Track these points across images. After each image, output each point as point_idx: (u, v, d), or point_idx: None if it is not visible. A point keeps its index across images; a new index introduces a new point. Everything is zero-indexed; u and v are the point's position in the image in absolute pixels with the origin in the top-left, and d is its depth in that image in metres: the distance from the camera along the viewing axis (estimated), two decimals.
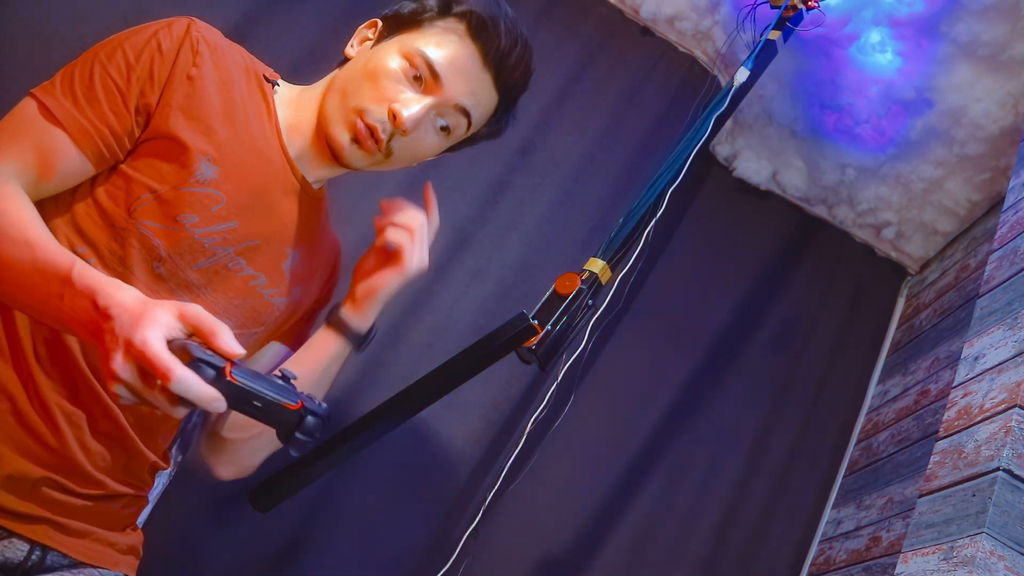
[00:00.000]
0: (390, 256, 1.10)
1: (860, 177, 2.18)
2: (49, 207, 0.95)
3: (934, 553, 1.14)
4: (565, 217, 2.01)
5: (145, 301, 0.76)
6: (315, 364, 1.11)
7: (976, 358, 1.33)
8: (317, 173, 1.10)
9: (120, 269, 0.94)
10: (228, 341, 0.75)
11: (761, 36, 1.69)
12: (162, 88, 0.95)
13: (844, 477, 2.10)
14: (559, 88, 2.06)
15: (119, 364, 0.72)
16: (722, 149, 2.30)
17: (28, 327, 0.92)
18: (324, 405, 0.80)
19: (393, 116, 1.01)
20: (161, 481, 1.20)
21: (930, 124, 1.99)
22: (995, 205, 2.07)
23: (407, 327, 1.82)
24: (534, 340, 1.26)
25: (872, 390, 2.23)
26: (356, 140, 1.02)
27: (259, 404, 0.76)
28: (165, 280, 0.98)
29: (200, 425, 1.17)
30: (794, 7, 1.70)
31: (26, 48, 1.50)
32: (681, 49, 2.21)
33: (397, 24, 1.07)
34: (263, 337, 1.14)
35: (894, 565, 1.34)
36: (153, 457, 1.05)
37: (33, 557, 0.92)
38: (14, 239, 0.83)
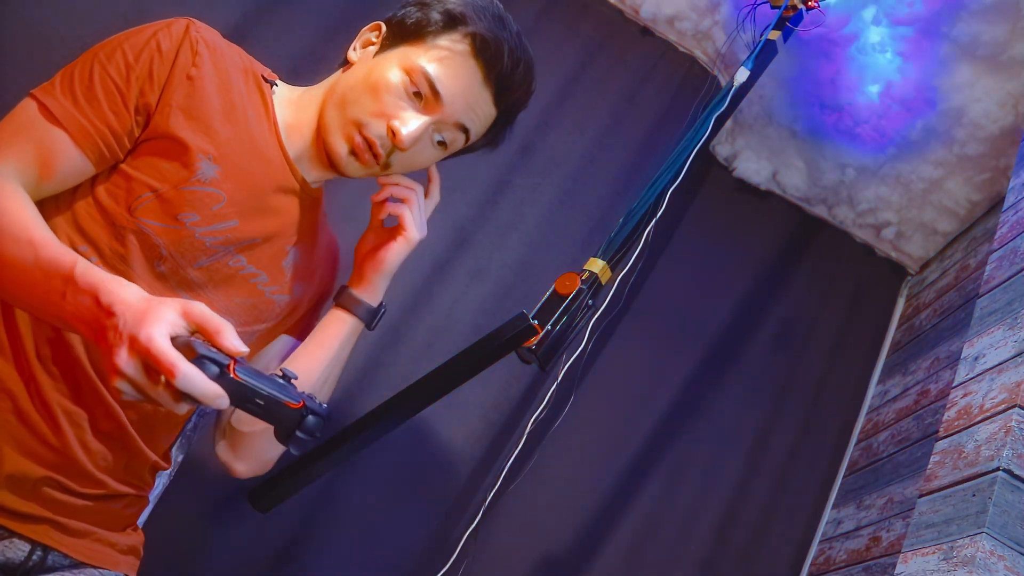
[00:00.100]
0: (391, 230, 1.12)
1: (860, 177, 2.18)
2: (50, 206, 0.95)
3: (934, 553, 1.14)
4: (565, 217, 2.01)
5: (149, 298, 0.76)
6: (327, 346, 1.12)
7: (976, 358, 1.33)
8: (316, 174, 1.10)
9: (121, 268, 0.95)
10: (232, 339, 0.75)
11: (761, 36, 1.69)
12: (162, 88, 0.95)
13: (844, 477, 2.10)
14: (559, 88, 2.06)
15: (123, 360, 0.72)
16: (722, 149, 2.30)
17: (30, 326, 0.92)
18: (324, 405, 0.81)
19: (392, 134, 1.01)
20: (161, 481, 1.20)
21: (930, 124, 1.99)
22: (995, 205, 2.07)
23: (407, 327, 1.82)
24: (534, 340, 1.26)
25: (872, 390, 2.23)
26: (354, 153, 1.03)
27: (261, 402, 0.77)
28: (166, 279, 0.98)
29: (213, 424, 1.17)
30: (794, 7, 1.70)
31: (26, 48, 1.50)
32: (681, 49, 2.21)
33: (401, 33, 1.06)
34: (266, 334, 1.14)
35: (894, 565, 1.34)
36: (154, 457, 1.05)
37: (34, 557, 0.93)
38: (16, 238, 0.84)
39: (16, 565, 0.92)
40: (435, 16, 1.05)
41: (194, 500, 1.58)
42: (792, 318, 2.22)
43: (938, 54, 1.88)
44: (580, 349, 1.45)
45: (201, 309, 0.76)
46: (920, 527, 1.22)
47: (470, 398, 1.80)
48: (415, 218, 1.11)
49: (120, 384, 0.73)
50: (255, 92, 1.05)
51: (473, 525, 1.53)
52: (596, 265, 1.40)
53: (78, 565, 0.97)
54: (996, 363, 1.26)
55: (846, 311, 2.27)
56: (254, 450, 1.13)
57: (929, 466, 1.29)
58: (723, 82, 2.15)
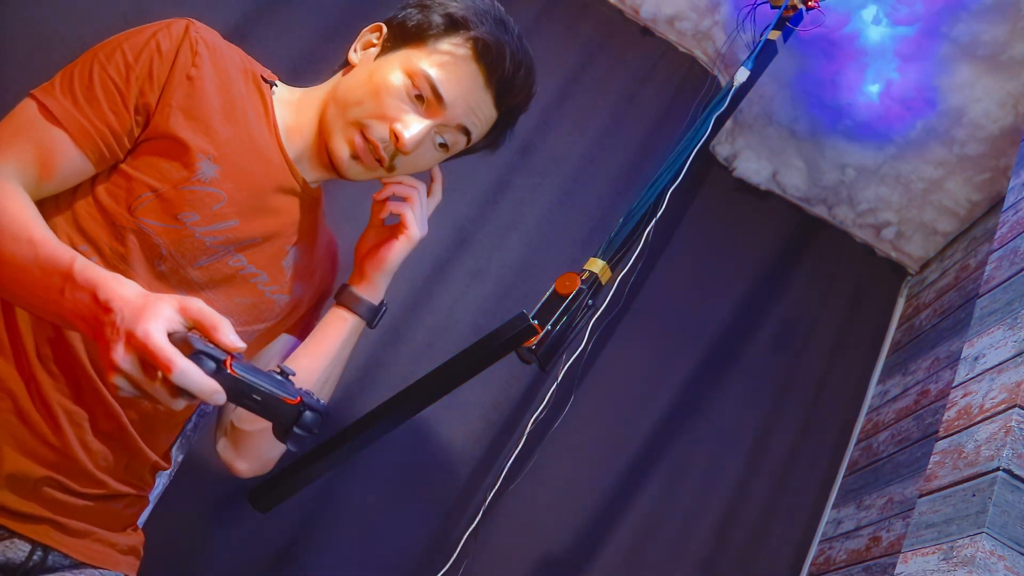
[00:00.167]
0: (392, 228, 1.12)
1: (860, 177, 2.18)
2: (50, 206, 0.95)
3: (934, 553, 1.14)
4: (565, 217, 2.01)
5: (146, 295, 0.77)
6: (328, 345, 1.12)
7: (976, 358, 1.33)
8: (316, 174, 1.10)
9: (122, 267, 0.95)
10: (229, 335, 0.75)
11: (761, 36, 1.69)
12: (162, 88, 0.95)
13: (844, 477, 2.10)
14: (559, 88, 2.06)
15: (120, 355, 0.73)
16: (722, 149, 2.30)
17: (30, 326, 0.92)
18: (322, 402, 0.80)
19: (395, 137, 1.02)
20: (161, 481, 1.20)
21: (930, 124, 2.00)
22: (995, 205, 2.07)
23: (407, 327, 1.82)
24: (534, 340, 1.26)
25: (872, 390, 2.23)
26: (356, 156, 1.03)
27: (258, 398, 0.77)
28: (166, 278, 0.98)
29: (214, 424, 1.17)
30: (794, 7, 1.70)
31: (26, 48, 1.51)
32: (681, 49, 2.21)
33: (402, 35, 1.06)
34: (266, 334, 1.14)
35: (894, 565, 1.34)
36: (154, 457, 1.05)
37: (35, 557, 0.93)
38: (15, 236, 0.84)
39: (16, 565, 0.92)
40: (436, 19, 1.05)
41: (194, 500, 1.58)
42: (792, 318, 2.22)
43: (938, 54, 1.88)
44: (580, 349, 1.45)
45: (198, 305, 0.76)
46: (920, 527, 1.22)
47: (470, 398, 1.80)
48: (416, 217, 1.11)
49: (117, 380, 0.74)
50: (255, 92, 1.05)
51: (473, 525, 1.53)
52: (596, 265, 1.40)
53: (78, 565, 0.97)
54: (996, 363, 1.26)
55: (846, 311, 2.27)
56: (256, 449, 1.12)
57: (929, 466, 1.29)
58: (723, 82, 2.15)
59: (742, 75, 1.61)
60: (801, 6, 1.70)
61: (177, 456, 1.19)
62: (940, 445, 1.29)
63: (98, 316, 0.76)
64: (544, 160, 2.02)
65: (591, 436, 1.94)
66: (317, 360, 1.10)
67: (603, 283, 1.41)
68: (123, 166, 0.96)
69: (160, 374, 0.72)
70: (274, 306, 1.10)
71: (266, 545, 1.66)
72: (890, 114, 2.03)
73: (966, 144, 1.98)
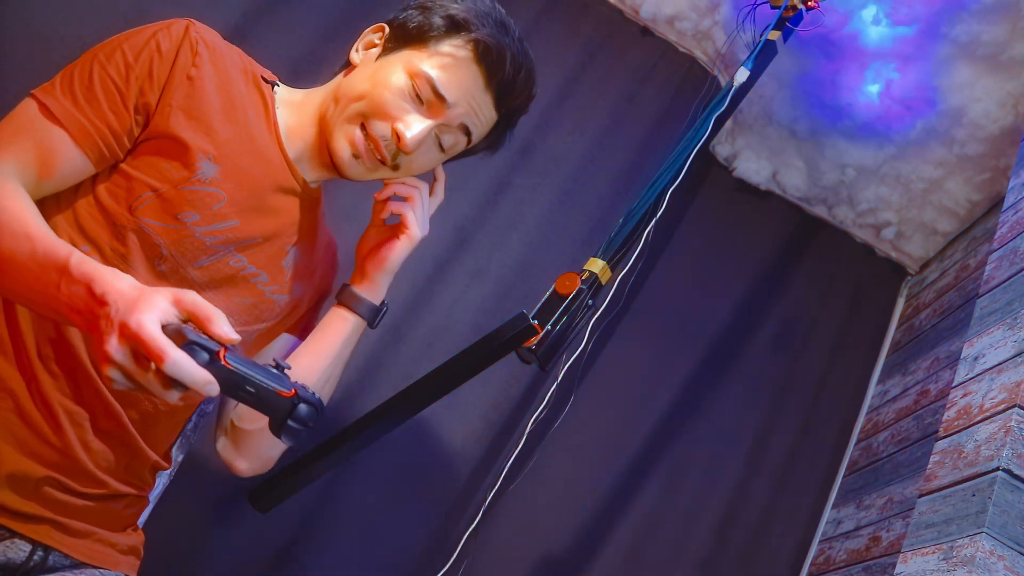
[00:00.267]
0: (393, 228, 1.12)
1: (860, 177, 2.18)
2: (51, 205, 0.95)
3: (934, 553, 1.14)
4: (565, 217, 2.01)
5: (141, 287, 0.77)
6: (329, 345, 1.12)
7: (976, 358, 1.33)
8: (316, 175, 1.10)
9: (122, 267, 0.95)
10: (223, 326, 0.75)
11: (761, 36, 1.69)
12: (162, 88, 0.95)
13: (844, 477, 2.10)
14: (559, 88, 2.06)
15: (113, 347, 0.72)
16: (722, 149, 2.30)
17: (31, 325, 0.93)
18: (318, 396, 0.79)
19: (397, 137, 1.02)
20: (161, 481, 1.20)
21: (930, 124, 2.00)
22: (995, 205, 2.07)
23: (407, 327, 1.82)
24: (534, 340, 1.26)
25: (872, 390, 2.23)
26: (356, 155, 1.03)
27: (252, 389, 0.76)
28: (167, 278, 0.98)
29: (214, 423, 1.17)
30: (794, 7, 1.70)
31: (26, 48, 1.51)
32: (681, 49, 2.21)
33: (403, 36, 1.07)
34: (265, 334, 1.14)
35: (894, 565, 1.34)
36: (155, 456, 1.05)
37: (35, 558, 0.93)
38: (14, 233, 0.84)
39: (17, 565, 0.92)
40: (438, 21, 1.05)
41: (194, 500, 1.58)
42: (792, 318, 2.22)
43: (938, 54, 1.88)
44: (580, 349, 1.46)
45: (193, 297, 0.76)
46: (920, 527, 1.22)
47: (470, 398, 1.80)
48: (417, 216, 1.11)
49: (111, 372, 0.73)
50: (255, 93, 1.05)
51: (473, 525, 1.53)
52: (596, 265, 1.41)
53: (79, 565, 0.97)
54: (996, 363, 1.26)
55: (846, 311, 2.27)
56: (256, 448, 1.13)
57: (929, 466, 1.29)
58: (723, 82, 2.15)
59: (742, 75, 1.61)
60: (801, 6, 1.70)
61: (177, 456, 1.19)
62: (940, 445, 1.29)
63: (93, 309, 0.76)
64: (544, 160, 2.02)
65: (591, 436, 1.94)
66: (318, 359, 1.10)
67: (603, 283, 1.41)
68: (123, 166, 0.96)
69: (153, 365, 0.71)
70: (274, 306, 1.10)
71: (266, 545, 1.66)
72: (890, 114, 2.03)
73: (966, 144, 1.98)
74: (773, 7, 1.74)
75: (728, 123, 2.18)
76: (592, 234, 1.99)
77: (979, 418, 1.22)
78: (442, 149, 1.09)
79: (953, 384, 1.36)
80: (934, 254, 2.30)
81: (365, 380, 1.75)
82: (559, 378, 1.49)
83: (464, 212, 1.91)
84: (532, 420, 1.51)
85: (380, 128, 1.02)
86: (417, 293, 1.83)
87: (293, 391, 0.77)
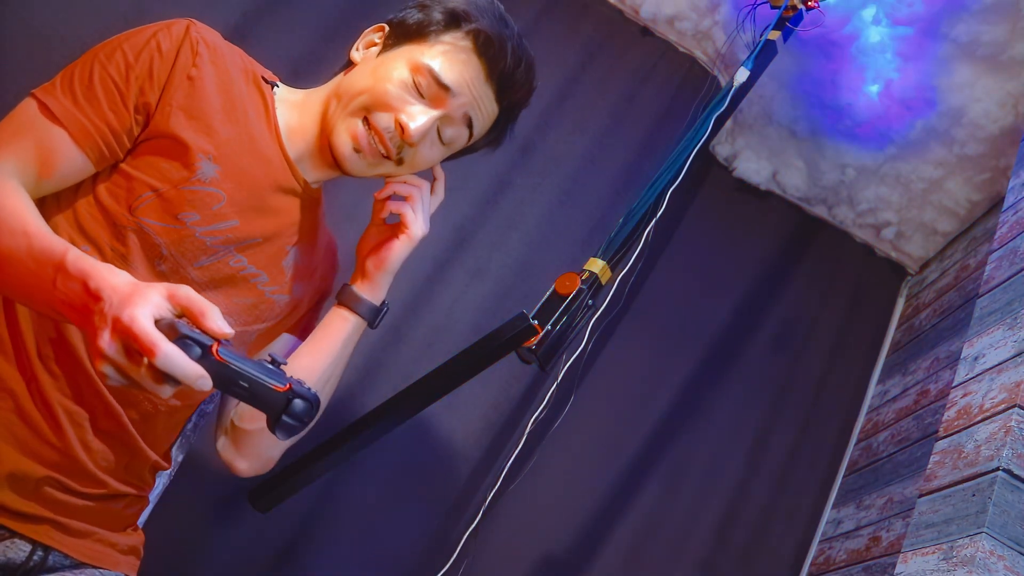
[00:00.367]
0: (393, 227, 1.12)
1: (860, 177, 2.18)
2: (51, 205, 0.95)
3: (934, 553, 1.14)
4: (565, 217, 2.01)
5: (136, 283, 0.76)
6: (329, 345, 1.11)
7: (976, 358, 1.33)
8: (317, 175, 1.10)
9: (122, 267, 0.94)
10: (217, 321, 0.74)
11: (761, 36, 1.69)
12: (162, 88, 0.95)
13: (844, 477, 2.10)
14: (559, 88, 2.06)
15: (106, 342, 0.72)
16: (722, 149, 2.30)
17: (31, 325, 0.93)
18: (314, 391, 0.79)
19: (401, 128, 1.02)
20: (161, 481, 1.20)
21: (930, 124, 2.00)
22: (995, 205, 2.07)
23: (407, 327, 1.82)
24: (534, 340, 1.26)
25: (872, 390, 2.23)
26: (358, 149, 1.03)
27: (246, 384, 0.75)
28: (167, 278, 0.98)
29: (214, 423, 1.17)
30: (794, 7, 1.71)
31: (26, 48, 1.51)
32: (681, 49, 2.21)
33: (403, 33, 1.07)
34: (266, 334, 1.14)
35: (894, 565, 1.34)
36: (154, 456, 1.05)
37: (35, 558, 0.93)
38: (11, 230, 0.84)
39: (17, 565, 0.92)
40: (437, 15, 1.06)
41: (194, 500, 1.58)
42: (792, 318, 2.22)
43: (938, 54, 1.88)
44: (580, 349, 1.46)
45: (186, 292, 0.76)
46: (920, 527, 1.22)
47: (470, 398, 1.80)
48: (417, 215, 1.11)
49: (104, 367, 0.73)
50: (255, 93, 1.05)
51: (473, 525, 1.53)
52: (596, 265, 1.41)
53: (79, 565, 0.97)
54: (996, 363, 1.26)
55: (846, 311, 2.27)
56: (256, 447, 1.12)
57: (929, 466, 1.29)
58: (723, 82, 2.15)
59: (742, 75, 1.61)
60: (801, 6, 1.70)
61: (177, 456, 1.19)
62: (940, 445, 1.29)
63: (88, 305, 0.76)
64: (544, 160, 2.02)
65: (591, 436, 1.94)
66: (318, 359, 1.10)
67: (603, 283, 1.41)
68: (123, 166, 0.96)
69: (145, 360, 0.71)
70: (274, 306, 1.10)
71: (266, 545, 1.66)
72: (890, 114, 2.03)
73: (966, 144, 1.98)
74: (773, 7, 1.74)
75: (728, 123, 2.18)
76: (592, 234, 1.99)
77: (979, 418, 1.22)
78: (444, 144, 1.09)
79: (953, 384, 1.36)
80: (934, 254, 2.30)
81: (365, 380, 1.75)
82: (559, 378, 1.49)
83: (464, 212, 1.91)
84: (532, 420, 1.51)
85: (383, 120, 1.02)
86: (417, 293, 1.83)
87: (288, 386, 0.76)
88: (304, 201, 1.09)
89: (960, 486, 1.18)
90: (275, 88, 1.09)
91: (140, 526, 1.12)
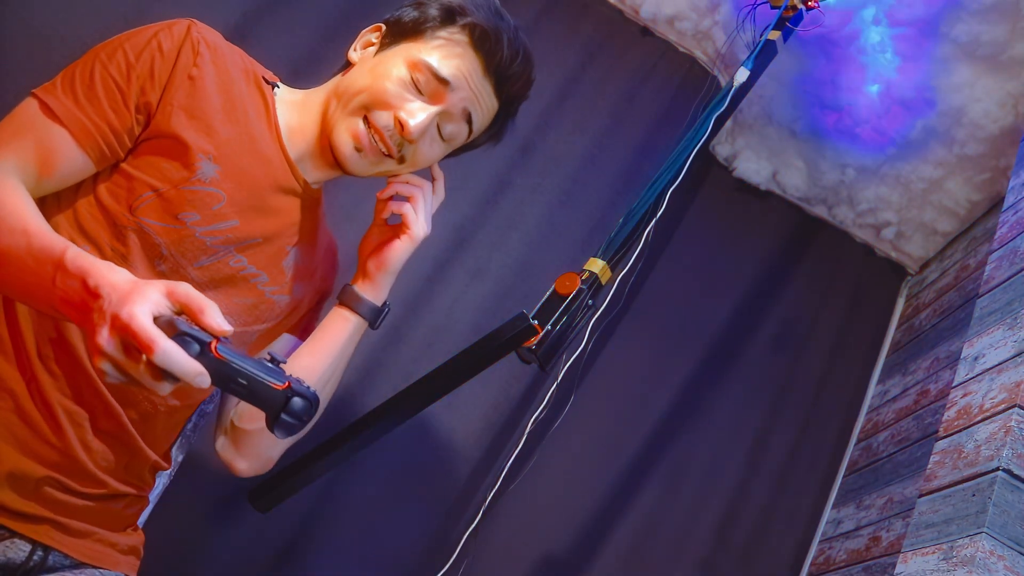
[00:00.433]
0: (395, 228, 1.12)
1: (860, 177, 2.18)
2: (52, 205, 0.95)
3: (934, 553, 1.14)
4: (565, 217, 2.01)
5: (135, 280, 0.76)
6: (330, 345, 1.11)
7: (976, 358, 1.33)
8: (317, 175, 1.10)
9: (122, 266, 0.94)
10: (216, 318, 0.74)
11: (761, 36, 1.69)
12: (163, 88, 0.96)
13: (844, 477, 2.10)
14: (559, 88, 2.06)
15: (104, 338, 0.72)
16: (722, 149, 2.30)
17: (31, 325, 0.93)
18: (313, 390, 0.78)
19: (400, 125, 1.02)
20: (161, 481, 1.20)
21: (930, 124, 2.00)
22: (995, 205, 2.07)
23: (407, 327, 1.82)
24: (534, 340, 1.26)
25: (872, 390, 2.23)
26: (359, 148, 1.03)
27: (244, 382, 0.75)
28: (166, 278, 0.97)
29: (214, 423, 1.17)
30: (794, 7, 1.71)
31: (26, 48, 1.51)
32: (681, 49, 2.21)
33: (400, 31, 1.07)
34: (266, 335, 1.14)
35: (894, 565, 1.34)
36: (154, 456, 1.05)
37: (35, 557, 0.93)
38: (11, 228, 0.84)
39: (17, 565, 0.92)
40: (433, 12, 1.06)
41: (194, 500, 1.58)
42: (792, 318, 2.22)
43: (938, 54, 1.88)
44: (580, 349, 1.46)
45: (186, 289, 0.76)
46: (920, 527, 1.22)
47: (470, 398, 1.80)
48: (419, 216, 1.11)
49: (102, 364, 0.73)
50: (256, 93, 1.05)
51: (473, 525, 1.53)
52: (596, 265, 1.41)
53: (79, 565, 0.97)
54: (996, 363, 1.26)
55: (846, 311, 2.27)
56: (255, 448, 1.12)
57: (929, 466, 1.29)
58: (723, 82, 2.15)
59: (742, 75, 1.61)
60: (801, 6, 1.70)
61: (177, 456, 1.19)
62: (940, 445, 1.30)
63: (87, 302, 0.76)
64: (544, 160, 2.02)
65: (591, 436, 1.94)
66: (319, 360, 1.10)
67: (603, 283, 1.41)
68: (124, 165, 0.96)
69: (144, 357, 0.71)
70: (274, 306, 1.10)
71: (266, 545, 1.66)
72: (890, 114, 2.03)
73: (966, 144, 1.98)
74: (773, 7, 1.74)
75: (728, 123, 2.18)
76: (592, 234, 1.99)
77: (979, 418, 1.22)
78: (444, 140, 1.09)
79: (953, 384, 1.36)
80: (934, 254, 2.30)
81: (365, 380, 1.75)
82: (559, 378, 1.49)
83: (464, 212, 1.91)
84: (532, 420, 1.51)
85: (383, 118, 1.03)
86: (417, 293, 1.83)
87: (287, 384, 0.76)
88: (304, 201, 1.09)
89: (960, 486, 1.18)
90: (276, 88, 1.09)
91: (140, 526, 1.12)
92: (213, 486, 1.60)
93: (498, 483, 1.54)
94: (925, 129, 2.01)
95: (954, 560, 1.09)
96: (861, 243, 2.36)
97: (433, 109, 1.04)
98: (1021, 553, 1.06)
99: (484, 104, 1.08)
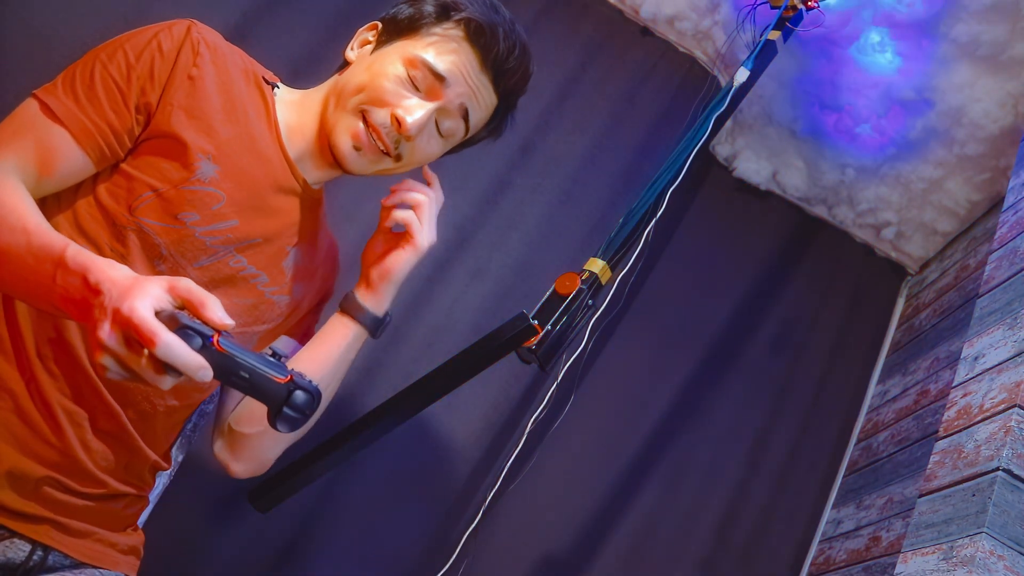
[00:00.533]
0: (399, 236, 1.10)
1: (860, 177, 2.18)
2: (51, 205, 0.95)
3: (934, 553, 1.14)
4: (565, 217, 2.01)
5: (136, 276, 0.76)
6: (330, 352, 1.11)
7: (976, 358, 1.33)
8: (317, 175, 1.10)
9: None
10: (217, 312, 0.74)
11: (761, 36, 1.69)
12: (163, 88, 0.96)
13: (844, 477, 2.10)
14: (559, 88, 2.06)
15: (106, 332, 0.72)
16: (722, 149, 2.30)
17: (31, 325, 0.93)
18: (315, 384, 0.78)
19: (398, 123, 1.02)
20: (161, 481, 1.20)
21: (930, 124, 2.00)
22: (995, 205, 2.07)
23: (407, 327, 1.82)
24: (534, 340, 1.26)
25: (872, 390, 2.23)
26: (358, 147, 1.03)
27: (246, 375, 0.74)
28: None
29: (212, 424, 1.17)
30: (794, 7, 1.71)
31: (26, 48, 1.51)
32: (681, 49, 2.21)
33: (396, 29, 1.07)
34: (266, 335, 1.14)
35: (894, 565, 1.34)
36: (154, 456, 1.05)
37: (35, 557, 0.93)
38: (11, 227, 0.84)
39: (17, 565, 0.92)
40: (428, 8, 1.06)
41: (194, 500, 1.58)
42: (792, 318, 2.22)
43: (938, 54, 1.88)
44: (580, 349, 1.46)
45: (187, 284, 0.76)
46: (920, 527, 1.22)
47: (470, 398, 1.80)
48: (424, 225, 1.09)
49: (104, 359, 0.73)
50: (256, 93, 1.05)
51: (473, 525, 1.53)
52: (596, 265, 1.41)
53: (79, 565, 0.97)
54: (996, 363, 1.26)
55: (846, 311, 2.27)
56: (252, 451, 1.12)
57: (929, 466, 1.29)
58: (723, 82, 2.15)
59: (742, 75, 1.61)
60: (801, 6, 1.71)
61: (177, 456, 1.19)
62: (940, 445, 1.30)
63: (88, 298, 0.76)
64: (544, 160, 2.02)
65: (591, 436, 1.94)
66: (318, 366, 1.10)
67: (603, 283, 1.41)
68: (124, 166, 0.96)
69: (146, 351, 0.71)
70: (274, 307, 1.10)
71: (266, 545, 1.66)
72: (890, 114, 2.03)
73: (966, 144, 1.98)
74: (773, 7, 1.74)
75: (728, 123, 2.18)
76: (592, 234, 1.99)
77: (979, 418, 1.22)
78: (443, 137, 1.08)
79: (953, 384, 1.36)
80: (934, 254, 2.30)
81: (365, 380, 1.75)
82: (559, 378, 1.49)
83: (464, 212, 1.91)
84: (532, 420, 1.51)
85: (380, 116, 1.02)
86: (417, 293, 1.83)
87: (289, 377, 0.76)
88: (304, 202, 1.09)
89: (960, 486, 1.18)
90: (275, 89, 1.09)
91: (140, 526, 1.12)
92: (213, 486, 1.60)
93: (498, 483, 1.54)
94: (925, 129, 2.01)
95: (954, 560, 1.09)
96: (861, 243, 2.36)
97: (430, 105, 1.04)
98: (1021, 553, 1.06)
99: (482, 99, 1.08)
